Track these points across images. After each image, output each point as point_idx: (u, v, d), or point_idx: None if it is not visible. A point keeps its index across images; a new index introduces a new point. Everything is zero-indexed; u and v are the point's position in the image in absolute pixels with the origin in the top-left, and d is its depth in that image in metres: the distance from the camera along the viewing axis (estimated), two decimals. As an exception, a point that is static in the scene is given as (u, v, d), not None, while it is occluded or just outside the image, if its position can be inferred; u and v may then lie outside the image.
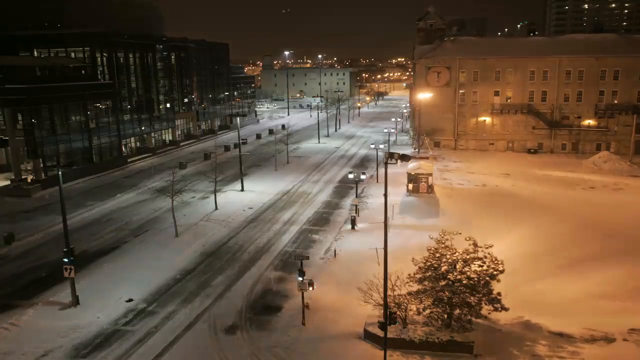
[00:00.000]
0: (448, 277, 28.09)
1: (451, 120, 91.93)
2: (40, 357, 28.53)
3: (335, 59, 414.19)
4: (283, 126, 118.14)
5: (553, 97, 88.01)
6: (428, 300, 29.00)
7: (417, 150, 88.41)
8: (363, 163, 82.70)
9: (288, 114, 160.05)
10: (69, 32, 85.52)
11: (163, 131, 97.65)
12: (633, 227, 48.35)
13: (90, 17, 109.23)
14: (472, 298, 28.13)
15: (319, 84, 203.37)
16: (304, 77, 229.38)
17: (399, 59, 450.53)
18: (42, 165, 65.67)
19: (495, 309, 28.27)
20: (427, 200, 57.95)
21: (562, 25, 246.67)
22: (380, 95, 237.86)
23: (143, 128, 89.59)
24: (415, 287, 29.74)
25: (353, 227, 49.57)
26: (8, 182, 65.30)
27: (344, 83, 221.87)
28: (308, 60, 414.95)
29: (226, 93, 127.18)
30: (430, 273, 28.99)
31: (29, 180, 64.79)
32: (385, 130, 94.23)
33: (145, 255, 43.09)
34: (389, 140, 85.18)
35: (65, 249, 33.50)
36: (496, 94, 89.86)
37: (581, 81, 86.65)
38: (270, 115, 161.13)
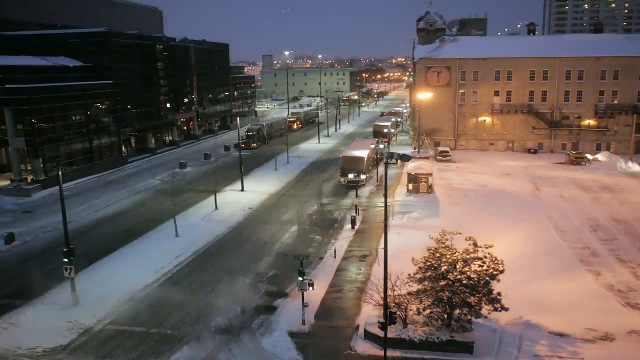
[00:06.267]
0: (448, 277, 28.10)
1: (451, 120, 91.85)
2: (39, 357, 28.54)
3: (333, 60, 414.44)
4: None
5: (553, 97, 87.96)
6: (428, 300, 29.01)
7: (417, 150, 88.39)
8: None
9: (288, 114, 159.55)
10: (69, 32, 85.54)
11: (163, 131, 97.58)
12: (633, 226, 48.49)
13: (91, 17, 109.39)
14: (472, 298, 28.17)
15: (319, 84, 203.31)
16: (303, 77, 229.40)
17: (399, 59, 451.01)
18: (42, 165, 65.67)
19: (495, 309, 28.29)
20: (427, 200, 57.96)
21: (562, 25, 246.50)
22: (380, 95, 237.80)
23: (143, 128, 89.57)
24: (415, 287, 29.76)
25: (353, 227, 49.62)
26: (8, 182, 65.32)
27: (343, 83, 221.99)
28: (308, 60, 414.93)
29: (226, 93, 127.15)
30: (430, 273, 29.01)
31: (29, 180, 64.78)
32: (385, 131, 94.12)
33: (146, 255, 43.03)
34: (389, 140, 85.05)
35: (65, 249, 33.51)
36: (496, 94, 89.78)
37: (581, 81, 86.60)
38: (271, 114, 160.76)
